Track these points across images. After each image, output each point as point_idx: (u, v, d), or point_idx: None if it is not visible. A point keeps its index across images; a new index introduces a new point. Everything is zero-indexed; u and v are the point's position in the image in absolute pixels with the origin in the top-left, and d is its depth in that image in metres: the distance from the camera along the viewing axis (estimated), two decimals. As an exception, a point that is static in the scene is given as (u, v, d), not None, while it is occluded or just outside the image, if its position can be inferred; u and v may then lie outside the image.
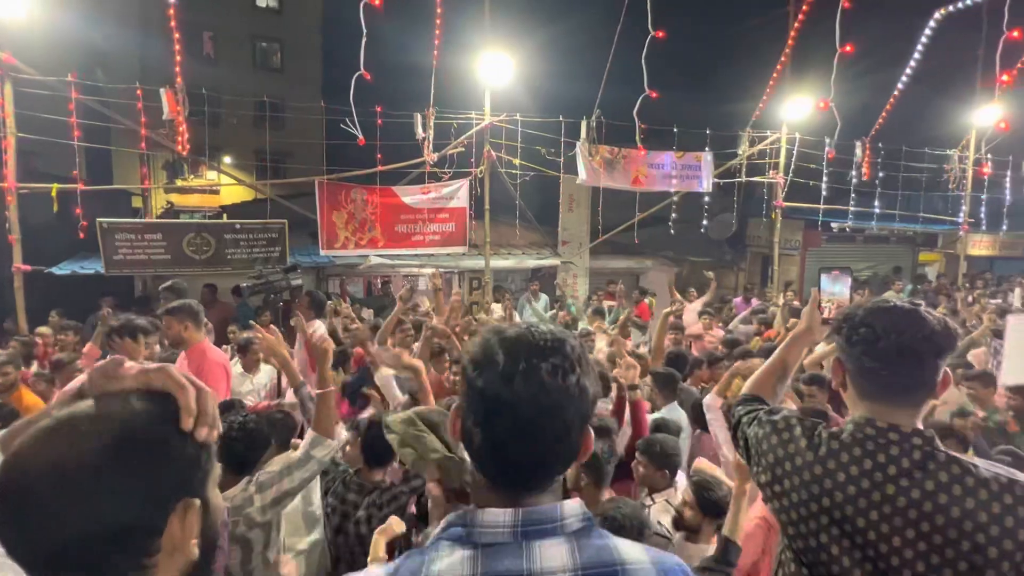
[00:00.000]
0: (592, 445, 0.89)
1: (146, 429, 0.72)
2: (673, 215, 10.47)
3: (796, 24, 9.58)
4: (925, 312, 1.22)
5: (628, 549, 0.83)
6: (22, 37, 6.71)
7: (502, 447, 0.82)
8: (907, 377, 1.22)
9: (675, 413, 3.67)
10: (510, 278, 11.41)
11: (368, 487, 2.47)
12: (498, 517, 0.81)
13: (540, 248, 11.09)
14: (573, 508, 0.84)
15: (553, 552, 0.79)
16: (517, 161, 9.06)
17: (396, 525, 2.08)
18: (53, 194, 7.14)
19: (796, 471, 1.27)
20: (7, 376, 3.86)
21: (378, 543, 2.03)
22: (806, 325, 1.64)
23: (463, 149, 8.81)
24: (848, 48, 8.62)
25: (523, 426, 0.80)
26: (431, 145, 8.51)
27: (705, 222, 11.24)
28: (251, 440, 2.30)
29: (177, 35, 7.26)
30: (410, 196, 8.92)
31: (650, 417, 3.67)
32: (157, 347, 3.08)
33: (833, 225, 12.86)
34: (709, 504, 2.27)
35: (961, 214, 12.30)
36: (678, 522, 2.31)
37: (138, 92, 7.48)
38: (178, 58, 7.27)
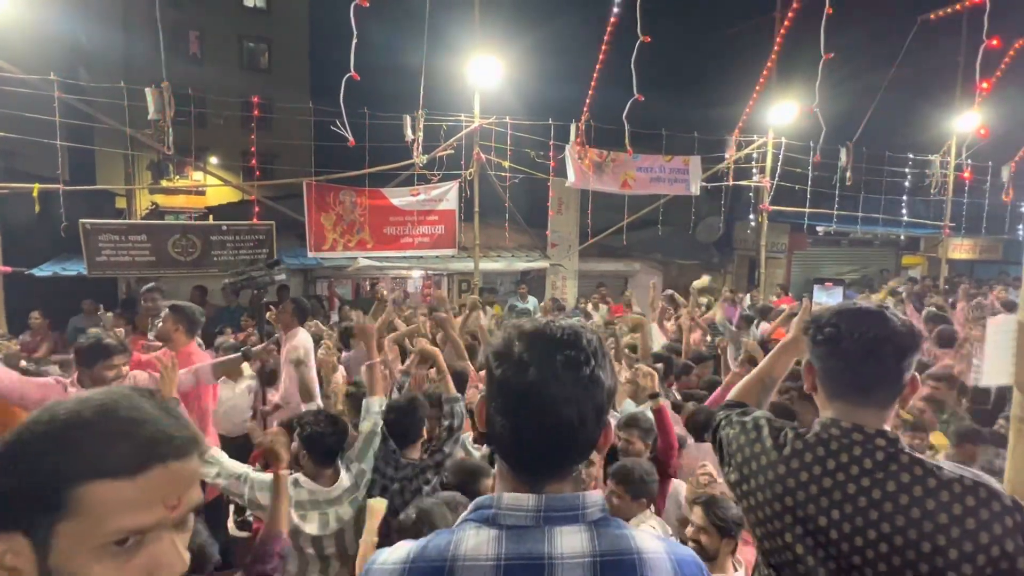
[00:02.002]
0: (611, 438, 0.92)
1: None
2: (661, 218, 10.55)
3: (782, 30, 9.71)
4: (890, 313, 1.24)
5: (645, 539, 0.87)
6: (3, 35, 6.61)
7: (520, 435, 0.86)
8: (870, 377, 1.22)
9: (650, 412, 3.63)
10: (499, 280, 11.41)
11: (403, 463, 2.67)
12: (522, 501, 0.85)
13: (529, 250, 11.11)
14: (594, 498, 0.88)
15: (573, 539, 0.83)
16: (506, 164, 9.08)
17: (377, 504, 2.21)
18: (35, 194, 7.02)
19: (762, 470, 1.29)
20: None
21: (372, 526, 2.15)
22: (795, 335, 1.63)
23: (452, 151, 8.80)
24: (833, 55, 8.74)
25: (538, 415, 0.84)
26: (420, 147, 8.50)
27: (693, 225, 11.35)
28: (340, 429, 2.52)
29: (163, 34, 7.18)
30: (399, 198, 8.90)
31: (626, 413, 3.67)
32: (125, 368, 2.98)
33: (818, 228, 13.03)
34: (724, 525, 2.18)
35: (943, 218, 12.54)
36: (696, 551, 2.22)
37: (123, 91, 7.39)
38: (164, 57, 7.19)
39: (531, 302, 9.22)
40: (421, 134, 8.36)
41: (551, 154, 9.30)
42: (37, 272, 8.31)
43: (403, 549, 0.87)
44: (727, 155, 10.40)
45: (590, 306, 7.74)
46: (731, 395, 1.64)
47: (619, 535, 0.85)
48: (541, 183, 9.97)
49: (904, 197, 12.53)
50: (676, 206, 10.84)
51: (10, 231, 6.95)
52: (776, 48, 9.84)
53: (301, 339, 4.21)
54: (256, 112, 8.56)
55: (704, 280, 8.18)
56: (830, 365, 1.26)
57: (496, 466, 0.92)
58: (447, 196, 9.05)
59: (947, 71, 12.27)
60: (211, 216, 11.24)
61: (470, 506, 0.90)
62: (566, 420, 0.83)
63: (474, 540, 0.83)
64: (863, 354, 1.21)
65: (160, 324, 3.69)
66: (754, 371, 1.68)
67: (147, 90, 7.05)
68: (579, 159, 9.19)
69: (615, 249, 11.43)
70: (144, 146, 8.32)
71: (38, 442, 0.66)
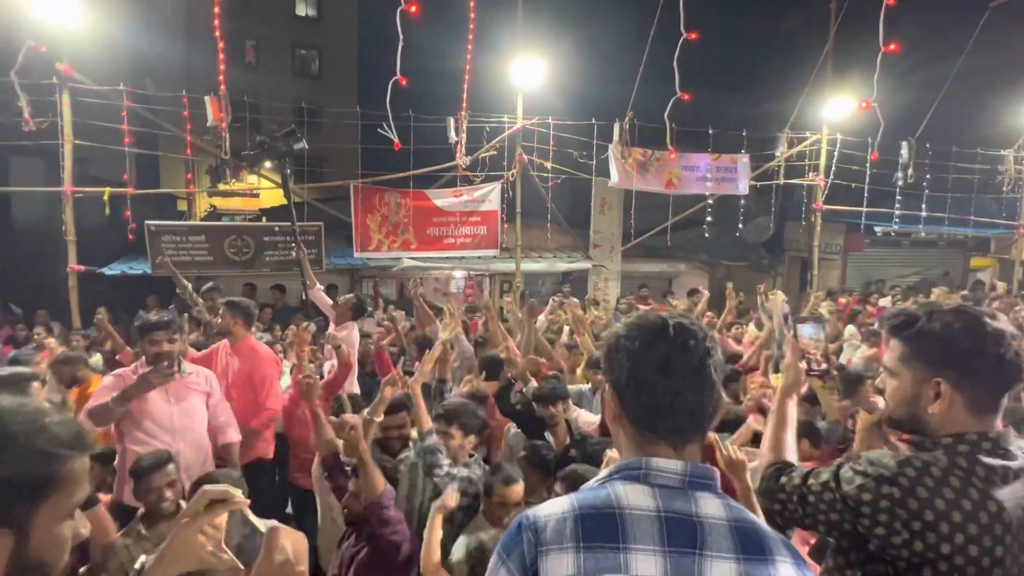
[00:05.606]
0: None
1: None
2: (708, 218, 10.27)
3: (838, 20, 9.29)
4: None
5: (745, 510, 0.99)
6: (78, 49, 7.06)
7: (670, 401, 0.98)
8: (1007, 382, 1.21)
9: None
10: (540, 281, 11.39)
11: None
12: (671, 465, 0.97)
13: (571, 251, 11.04)
14: (718, 474, 1.01)
15: (711, 504, 0.95)
16: (549, 164, 9.05)
17: (450, 500, 2.27)
18: (106, 198, 7.47)
19: (969, 518, 1.13)
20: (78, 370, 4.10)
21: (435, 520, 2.22)
22: (792, 378, 1.63)
23: (495, 152, 8.84)
24: (893, 46, 8.29)
25: (686, 379, 0.98)
26: (464, 149, 8.58)
27: (741, 225, 10.99)
28: None
29: (221, 44, 7.51)
30: (442, 199, 9.01)
31: None
32: (168, 345, 3.11)
33: (877, 229, 12.39)
34: None
35: (1017, 217, 11.71)
36: None
37: (184, 100, 7.77)
38: (222, 66, 7.52)
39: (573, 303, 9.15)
40: (465, 136, 8.44)
41: (594, 154, 9.21)
42: (107, 271, 8.85)
43: (561, 502, 0.97)
44: (778, 152, 10.03)
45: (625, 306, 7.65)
46: (769, 458, 1.50)
47: (737, 506, 0.98)
48: (584, 183, 9.88)
49: (973, 195, 11.74)
50: (724, 206, 10.54)
51: (83, 232, 7.42)
52: (831, 39, 9.43)
53: (350, 333, 4.34)
54: (307, 117, 8.85)
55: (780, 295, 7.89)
56: (981, 371, 1.20)
57: (626, 440, 1.03)
58: (489, 197, 9.10)
59: (1020, 60, 11.46)
60: (264, 218, 11.68)
61: (611, 468, 1.01)
62: (712, 381, 0.98)
63: (632, 494, 0.94)
64: (1006, 359, 1.18)
65: (221, 320, 3.88)
66: (773, 425, 1.57)
67: (206, 98, 7.40)
68: (622, 159, 9.06)
69: (659, 250, 11.21)
70: (203, 151, 8.72)
71: (15, 431, 0.73)
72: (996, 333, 1.18)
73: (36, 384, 2.76)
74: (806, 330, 1.64)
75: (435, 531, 2.19)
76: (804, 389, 3.71)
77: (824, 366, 1.63)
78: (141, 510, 2.44)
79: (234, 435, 3.31)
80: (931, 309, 1.26)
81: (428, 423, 2.80)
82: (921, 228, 11.84)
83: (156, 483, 2.38)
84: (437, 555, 2.14)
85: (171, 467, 2.44)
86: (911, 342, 1.25)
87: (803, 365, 1.66)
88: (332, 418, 2.52)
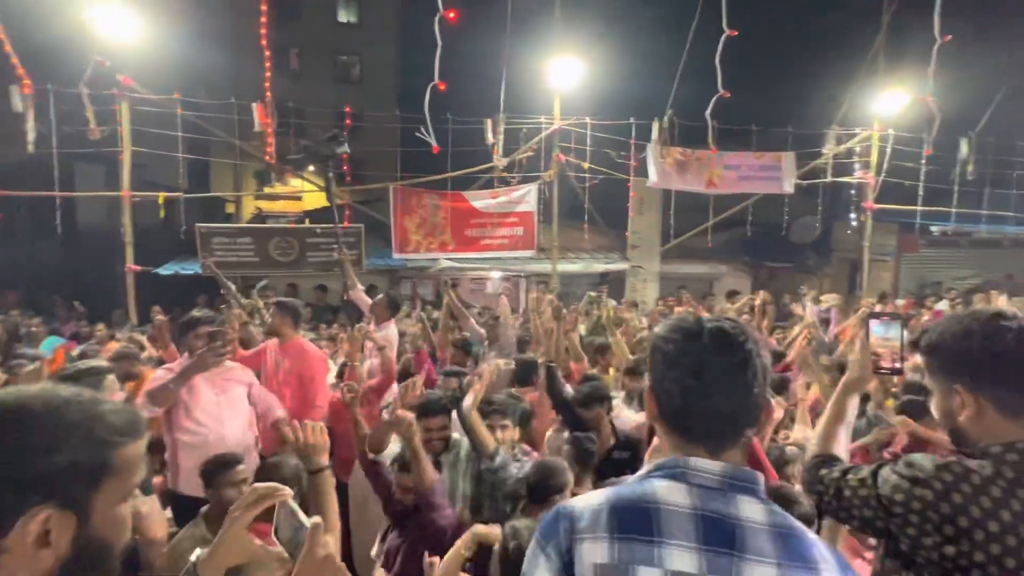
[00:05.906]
0: (773, 416, 1.03)
1: (19, 418, 0.73)
2: (750, 218, 9.98)
3: (891, 9, 8.89)
4: None
5: (789, 516, 0.98)
6: (136, 61, 7.43)
7: (703, 404, 0.97)
8: None
9: None
10: (576, 282, 11.31)
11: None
12: (709, 466, 0.96)
13: (608, 252, 10.93)
14: (763, 478, 0.99)
15: (751, 508, 0.94)
16: (586, 165, 8.99)
17: (466, 549, 2.07)
18: (160, 201, 7.84)
19: (1006, 531, 1.09)
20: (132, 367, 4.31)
21: (455, 555, 2.04)
22: (858, 373, 1.57)
23: (532, 153, 8.85)
24: (949, 37, 7.85)
25: (720, 383, 0.97)
26: (501, 151, 8.61)
27: (786, 226, 10.65)
28: None
29: (268, 53, 7.78)
30: (480, 200, 9.07)
31: None
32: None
33: (933, 228, 11.80)
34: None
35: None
36: None
37: (233, 107, 8.07)
38: (268, 75, 7.79)
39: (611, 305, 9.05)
40: (502, 137, 8.47)
41: (632, 153, 9.09)
42: (161, 271, 9.28)
43: (598, 494, 0.99)
44: (826, 149, 9.66)
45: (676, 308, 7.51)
46: (816, 448, 1.50)
47: (780, 512, 0.96)
48: (621, 183, 9.77)
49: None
50: (767, 205, 10.24)
51: (139, 234, 7.81)
52: (884, 30, 9.03)
53: (389, 332, 4.42)
54: (348, 122, 9.08)
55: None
56: (1014, 376, 1.15)
57: (666, 440, 1.03)
58: (526, 198, 9.11)
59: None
60: (307, 220, 12.02)
61: (649, 465, 1.02)
62: (742, 388, 0.96)
63: (669, 490, 0.94)
64: None
65: (272, 320, 4.02)
66: (828, 417, 1.57)
67: (253, 105, 7.68)
68: (661, 158, 8.92)
69: (700, 251, 10.98)
70: (250, 156, 9.05)
71: (74, 419, 0.76)
72: (1013, 331, 1.13)
73: (111, 377, 2.91)
74: (877, 329, 1.57)
75: (454, 564, 2.08)
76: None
77: (894, 365, 1.56)
78: (204, 508, 2.48)
79: (279, 412, 3.43)
80: (945, 317, 1.23)
81: (491, 442, 2.79)
82: (982, 227, 11.20)
83: (229, 480, 2.42)
84: None
85: (240, 467, 2.48)
86: (928, 354, 1.24)
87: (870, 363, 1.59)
88: (385, 416, 2.59)
